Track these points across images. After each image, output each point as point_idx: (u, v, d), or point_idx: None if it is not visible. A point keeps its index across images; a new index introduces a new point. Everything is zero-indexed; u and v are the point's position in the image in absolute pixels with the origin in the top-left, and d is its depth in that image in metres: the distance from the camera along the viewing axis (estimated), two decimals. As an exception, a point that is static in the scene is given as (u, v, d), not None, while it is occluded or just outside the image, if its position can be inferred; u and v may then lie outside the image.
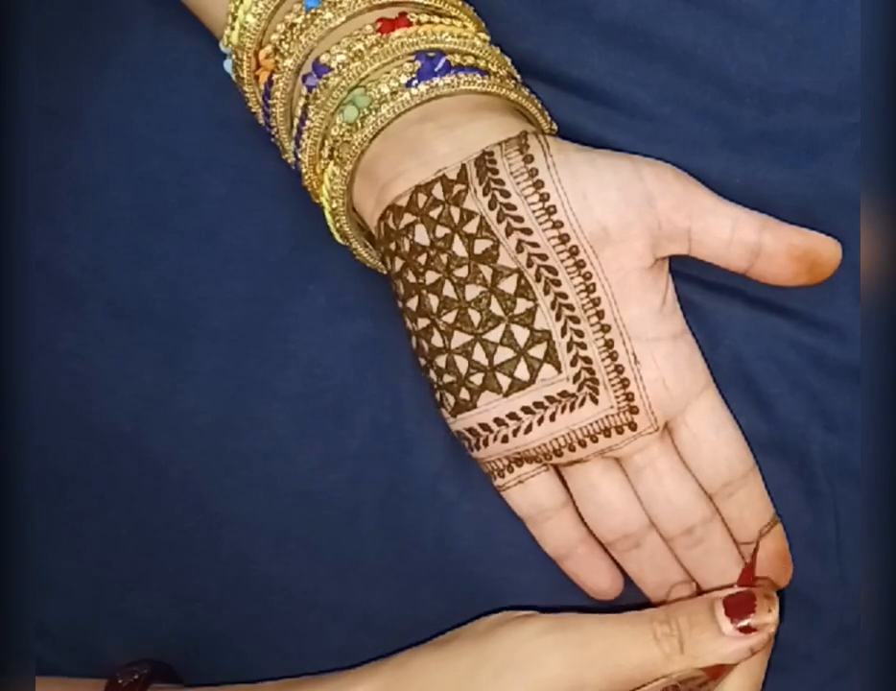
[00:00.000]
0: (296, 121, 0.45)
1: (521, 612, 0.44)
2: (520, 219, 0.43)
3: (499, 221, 0.43)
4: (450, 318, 0.44)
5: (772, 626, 0.41)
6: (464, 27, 0.45)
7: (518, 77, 0.46)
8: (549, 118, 0.46)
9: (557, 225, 0.43)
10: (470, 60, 0.44)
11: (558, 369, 0.44)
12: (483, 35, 0.46)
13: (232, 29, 0.45)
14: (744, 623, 0.41)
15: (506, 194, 0.43)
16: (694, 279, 0.46)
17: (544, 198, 0.43)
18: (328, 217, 0.46)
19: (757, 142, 0.47)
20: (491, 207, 0.43)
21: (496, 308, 0.44)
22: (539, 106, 0.46)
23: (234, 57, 0.46)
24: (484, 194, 0.43)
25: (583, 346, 0.44)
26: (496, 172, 0.43)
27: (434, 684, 0.42)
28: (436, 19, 0.44)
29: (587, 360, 0.44)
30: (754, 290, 0.46)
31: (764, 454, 0.46)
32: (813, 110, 0.46)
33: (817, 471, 0.46)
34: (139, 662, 0.48)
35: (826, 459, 0.46)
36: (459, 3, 0.46)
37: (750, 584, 0.43)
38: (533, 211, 0.43)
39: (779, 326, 0.47)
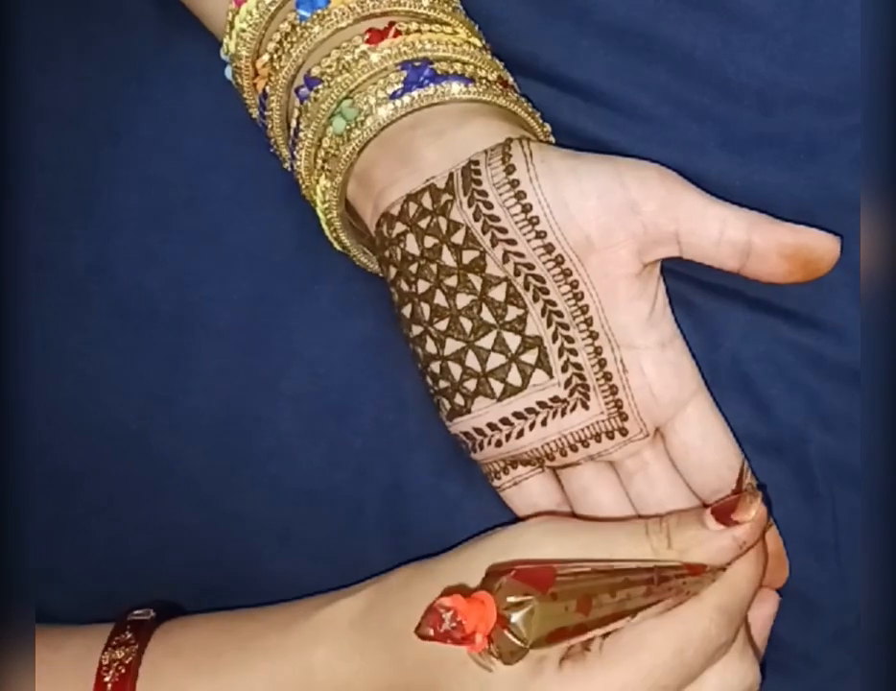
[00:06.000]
0: (292, 132, 0.45)
1: None
2: (504, 230, 0.43)
3: (484, 232, 0.43)
4: (442, 325, 0.44)
5: (756, 519, 0.40)
6: (454, 33, 0.45)
7: (511, 80, 0.46)
8: (541, 121, 0.46)
9: (541, 235, 0.43)
10: (458, 68, 0.44)
11: (550, 374, 0.44)
12: (474, 41, 0.45)
13: (230, 37, 0.45)
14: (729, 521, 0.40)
15: (490, 205, 0.43)
16: (693, 280, 0.46)
17: (526, 209, 0.42)
18: (324, 227, 0.47)
19: (756, 143, 0.46)
20: (476, 219, 0.43)
21: (487, 316, 0.44)
22: (530, 109, 0.46)
23: (233, 64, 0.46)
24: (469, 205, 0.43)
25: (574, 353, 0.44)
26: (479, 183, 0.43)
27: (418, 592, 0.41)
28: (426, 27, 0.44)
29: (578, 366, 0.44)
30: (754, 291, 0.46)
31: (762, 455, 0.46)
32: (811, 112, 0.46)
33: (816, 472, 0.46)
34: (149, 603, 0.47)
35: (824, 460, 0.46)
36: (450, 8, 0.45)
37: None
38: (516, 222, 0.43)
39: (778, 327, 0.47)
